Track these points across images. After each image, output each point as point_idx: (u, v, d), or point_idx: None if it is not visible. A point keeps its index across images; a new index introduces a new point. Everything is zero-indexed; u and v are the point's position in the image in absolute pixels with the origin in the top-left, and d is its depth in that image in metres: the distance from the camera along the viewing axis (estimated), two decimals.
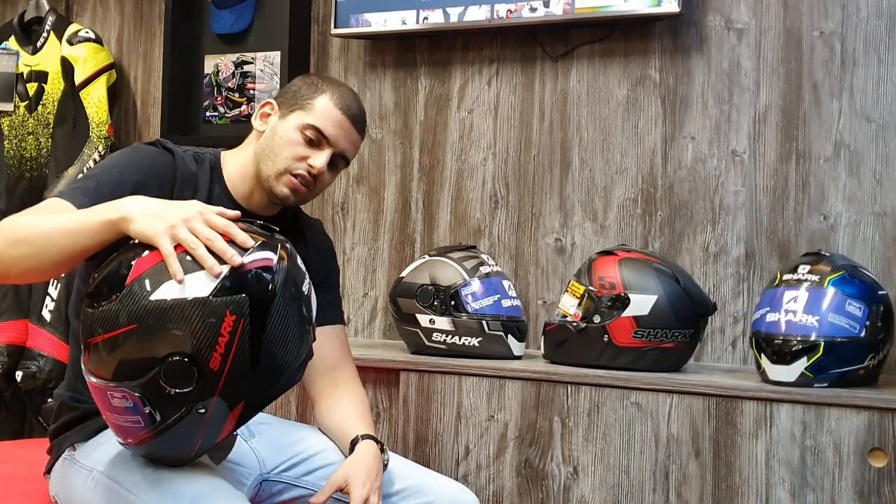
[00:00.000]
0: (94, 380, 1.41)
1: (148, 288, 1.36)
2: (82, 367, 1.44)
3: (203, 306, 1.35)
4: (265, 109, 1.83)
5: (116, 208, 1.47)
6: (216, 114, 3.13)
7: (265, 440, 1.77)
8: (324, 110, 1.77)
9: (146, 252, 1.41)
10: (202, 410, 1.37)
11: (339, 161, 1.81)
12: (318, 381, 1.83)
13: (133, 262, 1.40)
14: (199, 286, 1.36)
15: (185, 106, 3.14)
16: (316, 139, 1.76)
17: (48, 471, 1.76)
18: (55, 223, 1.49)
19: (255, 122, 1.84)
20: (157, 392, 1.36)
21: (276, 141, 1.77)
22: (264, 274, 1.39)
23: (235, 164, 1.81)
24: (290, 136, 1.76)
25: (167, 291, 1.36)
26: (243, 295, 1.36)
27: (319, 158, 1.76)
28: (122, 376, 1.37)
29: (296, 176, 1.75)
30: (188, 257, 1.39)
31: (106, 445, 1.62)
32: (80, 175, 1.65)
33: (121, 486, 1.53)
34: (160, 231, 1.41)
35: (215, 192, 1.77)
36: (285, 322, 1.40)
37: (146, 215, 1.44)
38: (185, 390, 1.35)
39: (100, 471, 1.59)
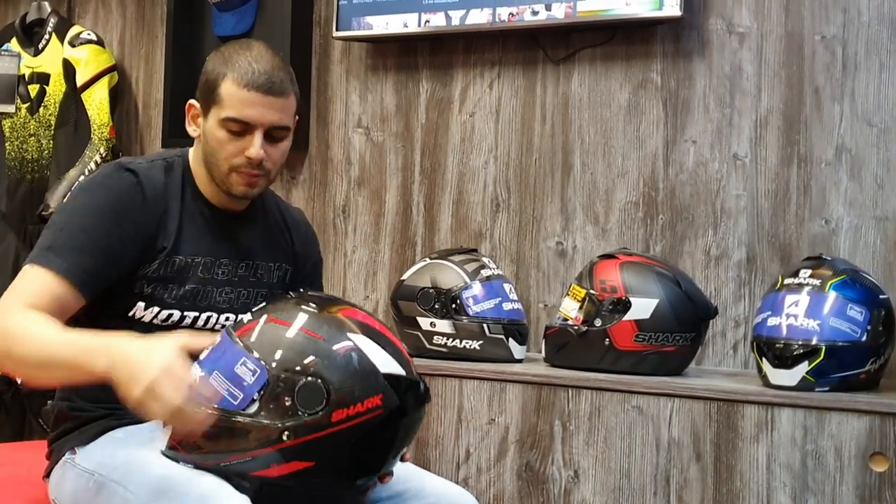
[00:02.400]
0: (236, 334, 1.42)
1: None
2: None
3: (372, 374, 1.39)
4: (192, 112, 1.73)
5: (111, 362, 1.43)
6: None
7: None
8: (231, 97, 1.64)
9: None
10: (284, 437, 1.37)
11: (276, 133, 1.68)
12: None
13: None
14: (388, 363, 1.42)
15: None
16: (239, 129, 1.65)
17: (47, 475, 1.75)
18: (50, 353, 1.48)
19: (189, 128, 1.74)
20: (279, 393, 1.37)
21: (209, 145, 1.68)
22: (421, 396, 1.44)
23: (197, 166, 1.76)
24: (217, 136, 1.66)
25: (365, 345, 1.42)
26: (398, 400, 1.40)
27: (253, 146, 1.65)
28: (269, 354, 1.39)
29: (241, 172, 1.67)
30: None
31: (108, 449, 1.61)
32: (47, 229, 1.62)
33: (125, 489, 1.53)
34: None
35: (187, 200, 1.71)
36: (397, 440, 1.44)
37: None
38: (297, 412, 1.37)
39: (102, 474, 1.58)
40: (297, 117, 1.74)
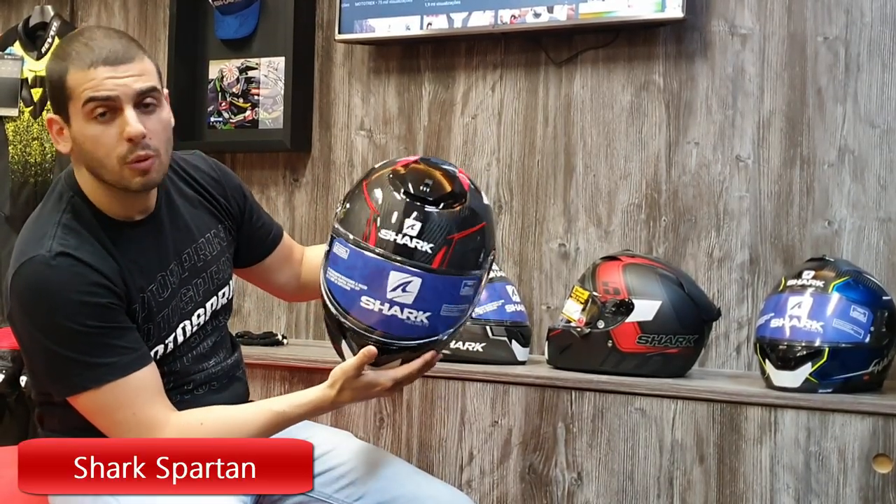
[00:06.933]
0: (449, 274, 1.53)
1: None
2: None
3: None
4: (55, 128, 1.56)
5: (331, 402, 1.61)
6: (220, 119, 3.13)
7: None
8: (81, 83, 1.49)
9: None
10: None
11: (147, 100, 1.55)
12: (291, 270, 1.91)
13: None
14: None
15: (189, 111, 3.14)
16: (104, 110, 1.50)
17: None
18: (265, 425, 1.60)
19: (60, 146, 1.57)
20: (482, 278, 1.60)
21: (86, 148, 1.52)
22: None
23: (89, 190, 1.59)
24: (88, 132, 1.51)
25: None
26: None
27: (129, 124, 1.50)
28: (470, 266, 1.56)
29: (130, 162, 1.51)
30: None
31: None
32: (55, 360, 1.53)
33: None
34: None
35: (107, 237, 1.57)
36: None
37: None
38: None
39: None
40: (167, 90, 1.63)
